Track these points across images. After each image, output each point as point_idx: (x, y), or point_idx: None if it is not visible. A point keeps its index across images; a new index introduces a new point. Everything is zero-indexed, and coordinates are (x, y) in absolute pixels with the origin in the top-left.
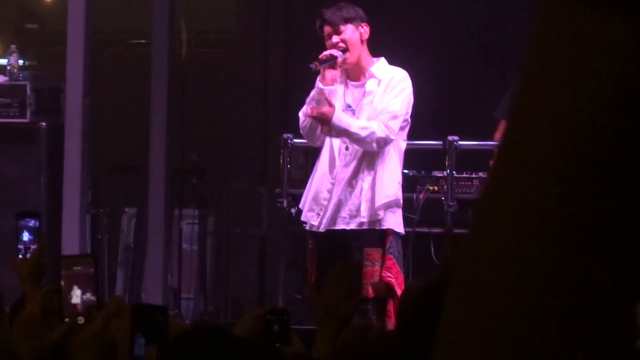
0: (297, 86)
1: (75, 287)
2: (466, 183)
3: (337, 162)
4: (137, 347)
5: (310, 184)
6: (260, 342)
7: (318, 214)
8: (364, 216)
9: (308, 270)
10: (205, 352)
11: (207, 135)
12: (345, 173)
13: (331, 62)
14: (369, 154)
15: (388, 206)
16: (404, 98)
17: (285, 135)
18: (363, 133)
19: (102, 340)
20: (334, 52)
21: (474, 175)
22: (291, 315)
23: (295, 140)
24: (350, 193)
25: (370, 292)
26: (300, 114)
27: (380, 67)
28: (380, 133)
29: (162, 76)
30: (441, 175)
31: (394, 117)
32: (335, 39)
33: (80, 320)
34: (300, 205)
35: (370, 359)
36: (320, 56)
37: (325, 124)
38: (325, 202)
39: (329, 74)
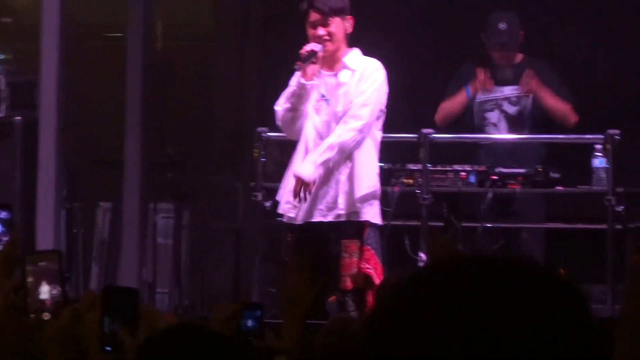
0: (273, 80)
1: (44, 283)
2: (441, 176)
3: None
4: (107, 328)
5: (286, 176)
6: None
7: (295, 206)
8: (342, 208)
9: (286, 263)
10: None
11: (182, 129)
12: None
13: (313, 57)
14: None
15: (365, 199)
16: (377, 87)
17: (260, 129)
18: (335, 149)
19: (70, 335)
20: (315, 46)
21: (448, 168)
22: (265, 309)
23: (270, 134)
24: (327, 185)
25: (348, 284)
26: (278, 108)
27: (354, 57)
28: (350, 131)
29: (137, 70)
30: (416, 168)
31: (364, 104)
32: (321, 31)
33: (47, 316)
34: (277, 198)
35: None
36: (301, 52)
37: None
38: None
39: (310, 69)
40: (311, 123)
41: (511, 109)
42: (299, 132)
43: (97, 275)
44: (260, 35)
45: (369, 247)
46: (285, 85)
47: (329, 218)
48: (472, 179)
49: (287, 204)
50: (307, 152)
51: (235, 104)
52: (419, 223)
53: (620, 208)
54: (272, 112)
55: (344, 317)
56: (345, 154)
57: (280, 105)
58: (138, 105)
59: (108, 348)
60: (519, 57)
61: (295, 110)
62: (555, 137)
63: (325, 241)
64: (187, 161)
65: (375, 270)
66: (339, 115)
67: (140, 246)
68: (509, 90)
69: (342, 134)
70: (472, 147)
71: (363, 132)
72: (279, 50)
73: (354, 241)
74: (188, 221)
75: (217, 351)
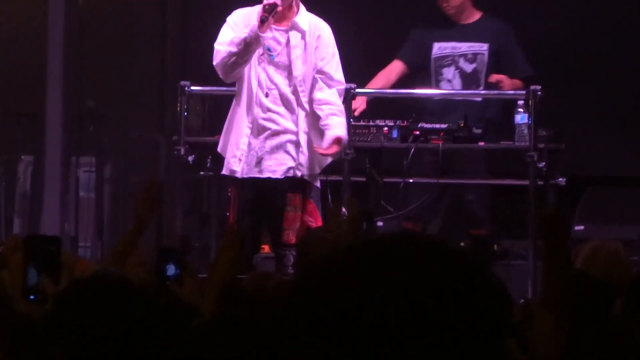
0: (195, 33)
1: None
2: (363, 131)
3: (256, 109)
4: (30, 277)
5: (227, 128)
6: (151, 282)
7: (240, 160)
8: (299, 168)
9: (228, 217)
10: (101, 301)
11: (104, 82)
12: (266, 123)
13: (274, 10)
14: (297, 111)
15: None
16: (338, 60)
17: (182, 83)
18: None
19: None
20: (275, 0)
21: (371, 124)
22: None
23: (193, 88)
24: (274, 146)
25: (291, 237)
26: (220, 48)
27: (303, 17)
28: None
29: (58, 21)
30: None
31: (337, 71)
32: None
33: None
34: (219, 149)
35: (268, 309)
36: (264, 4)
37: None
38: (244, 147)
39: (268, 21)
40: (254, 74)
41: (467, 67)
42: (234, 77)
43: (19, 228)
44: None
45: (311, 200)
46: (208, 37)
47: (278, 175)
48: (395, 134)
49: (233, 158)
50: (251, 102)
51: (156, 56)
52: (341, 178)
53: (541, 164)
54: (194, 65)
55: (262, 272)
56: None
57: (224, 48)
58: (59, 57)
59: (32, 297)
60: (477, 15)
61: (241, 57)
62: (478, 93)
63: (269, 195)
64: (108, 114)
65: (316, 224)
66: (285, 74)
67: (63, 200)
68: (466, 47)
69: (337, 100)
70: (401, 103)
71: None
72: (201, 2)
73: (298, 195)
74: (110, 175)
75: (129, 300)
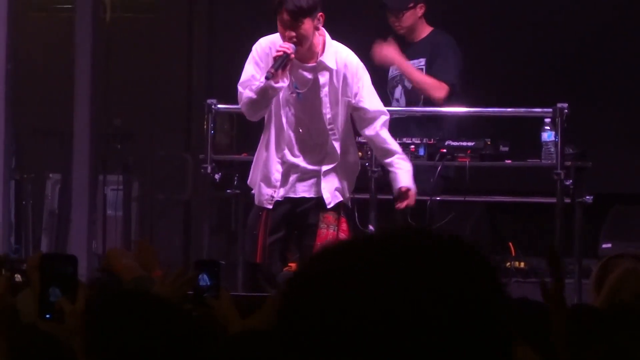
0: (221, 51)
1: None
2: None
3: (285, 147)
4: (47, 296)
5: (256, 163)
6: (190, 298)
7: (272, 197)
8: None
9: (258, 236)
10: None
11: (131, 100)
12: (295, 160)
13: (285, 60)
14: (329, 149)
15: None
16: (371, 90)
17: (209, 101)
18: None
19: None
20: (287, 48)
21: (397, 141)
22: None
23: (220, 106)
24: (313, 173)
25: None
26: (243, 91)
27: (330, 54)
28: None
29: (86, 41)
30: (364, 141)
31: (381, 112)
32: (291, 33)
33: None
34: (249, 182)
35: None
36: (274, 56)
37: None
38: (277, 183)
39: (281, 72)
40: (283, 112)
41: (408, 84)
42: (260, 117)
43: (46, 247)
44: (208, 6)
45: (344, 217)
46: (235, 54)
47: (312, 194)
48: (422, 152)
49: (265, 196)
50: (280, 139)
51: (183, 75)
52: (367, 196)
53: (568, 182)
54: (221, 84)
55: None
56: None
57: (245, 93)
58: (87, 77)
59: (48, 315)
60: (427, 30)
61: (259, 105)
62: (505, 111)
63: (303, 211)
64: (135, 133)
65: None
66: (314, 112)
67: (90, 218)
68: (412, 64)
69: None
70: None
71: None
72: (227, 21)
73: (332, 213)
74: (137, 193)
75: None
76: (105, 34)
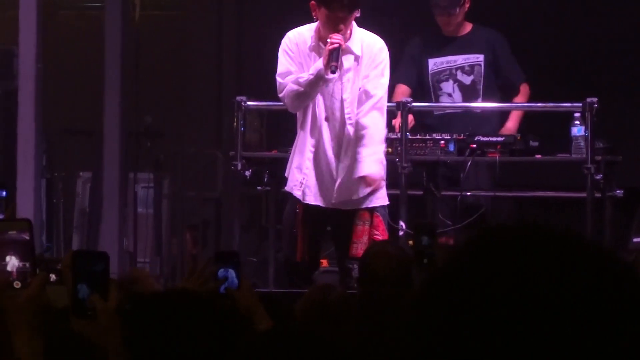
0: (251, 48)
1: (10, 254)
2: (420, 145)
3: (316, 133)
4: (79, 293)
5: (294, 151)
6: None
7: (301, 183)
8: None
9: (297, 234)
10: (175, 316)
11: (161, 98)
12: (329, 147)
13: (339, 51)
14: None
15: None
16: (387, 73)
17: (239, 98)
18: (380, 146)
19: (36, 305)
20: (340, 40)
21: (427, 137)
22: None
23: (250, 103)
24: (337, 170)
25: (359, 251)
26: (286, 82)
27: (356, 40)
28: (380, 122)
29: (115, 39)
30: (395, 137)
31: (383, 98)
32: (342, 27)
33: (17, 284)
34: (285, 174)
35: (330, 321)
36: (330, 49)
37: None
38: (307, 171)
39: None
40: (314, 103)
41: (465, 79)
42: (301, 108)
43: (78, 245)
44: (237, 3)
45: (378, 214)
46: (265, 51)
47: (348, 207)
48: (452, 147)
49: (294, 182)
50: (313, 126)
51: (213, 72)
52: (398, 192)
53: (598, 176)
54: (250, 80)
55: (324, 285)
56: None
57: (288, 83)
58: (116, 75)
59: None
60: (469, 26)
61: (308, 95)
62: (534, 106)
63: (336, 210)
64: (165, 130)
65: (382, 237)
66: (338, 96)
67: (121, 216)
68: (462, 60)
69: (374, 126)
70: (429, 117)
71: (384, 119)
72: (256, 18)
73: (367, 209)
74: (168, 190)
75: (200, 313)
76: (135, 32)
